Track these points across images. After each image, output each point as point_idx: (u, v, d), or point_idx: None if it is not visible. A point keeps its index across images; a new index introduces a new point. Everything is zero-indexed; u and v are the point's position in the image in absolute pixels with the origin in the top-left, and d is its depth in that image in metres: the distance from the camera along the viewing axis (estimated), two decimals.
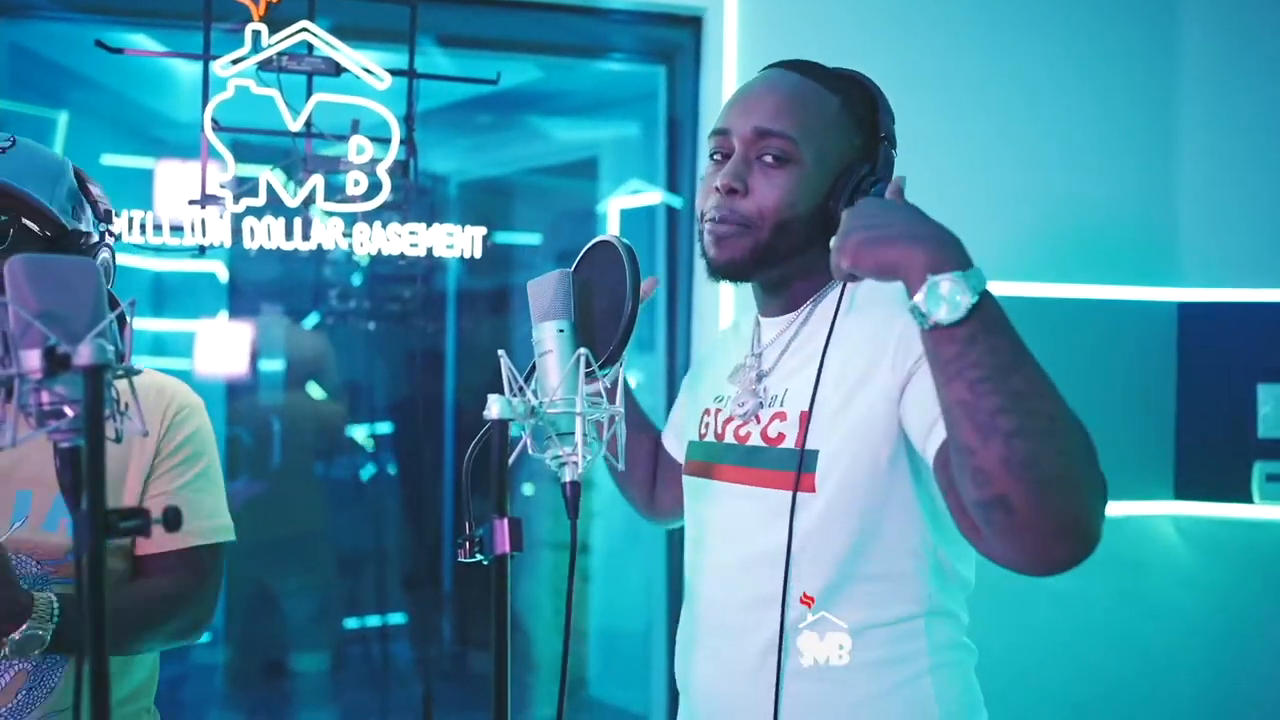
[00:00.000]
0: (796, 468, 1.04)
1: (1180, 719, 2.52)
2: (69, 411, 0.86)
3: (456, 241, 1.82)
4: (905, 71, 2.36)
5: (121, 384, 0.88)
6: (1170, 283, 2.50)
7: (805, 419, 1.05)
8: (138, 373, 0.92)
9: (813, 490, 1.04)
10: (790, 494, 1.04)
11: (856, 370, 1.05)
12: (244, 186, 1.76)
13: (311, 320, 3.87)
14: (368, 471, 3.95)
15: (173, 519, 0.87)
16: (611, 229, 3.13)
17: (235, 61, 1.72)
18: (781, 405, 1.11)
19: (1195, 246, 2.50)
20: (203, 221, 1.72)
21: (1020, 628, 2.44)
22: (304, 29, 1.72)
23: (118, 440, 0.92)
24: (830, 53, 2.26)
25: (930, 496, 1.04)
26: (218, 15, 1.77)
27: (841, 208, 1.08)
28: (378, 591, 3.90)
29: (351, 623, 3.81)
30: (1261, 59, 2.48)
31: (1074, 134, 2.46)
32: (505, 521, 0.96)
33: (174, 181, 2.34)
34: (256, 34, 1.73)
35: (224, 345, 3.68)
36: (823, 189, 1.10)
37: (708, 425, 1.21)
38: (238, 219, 1.75)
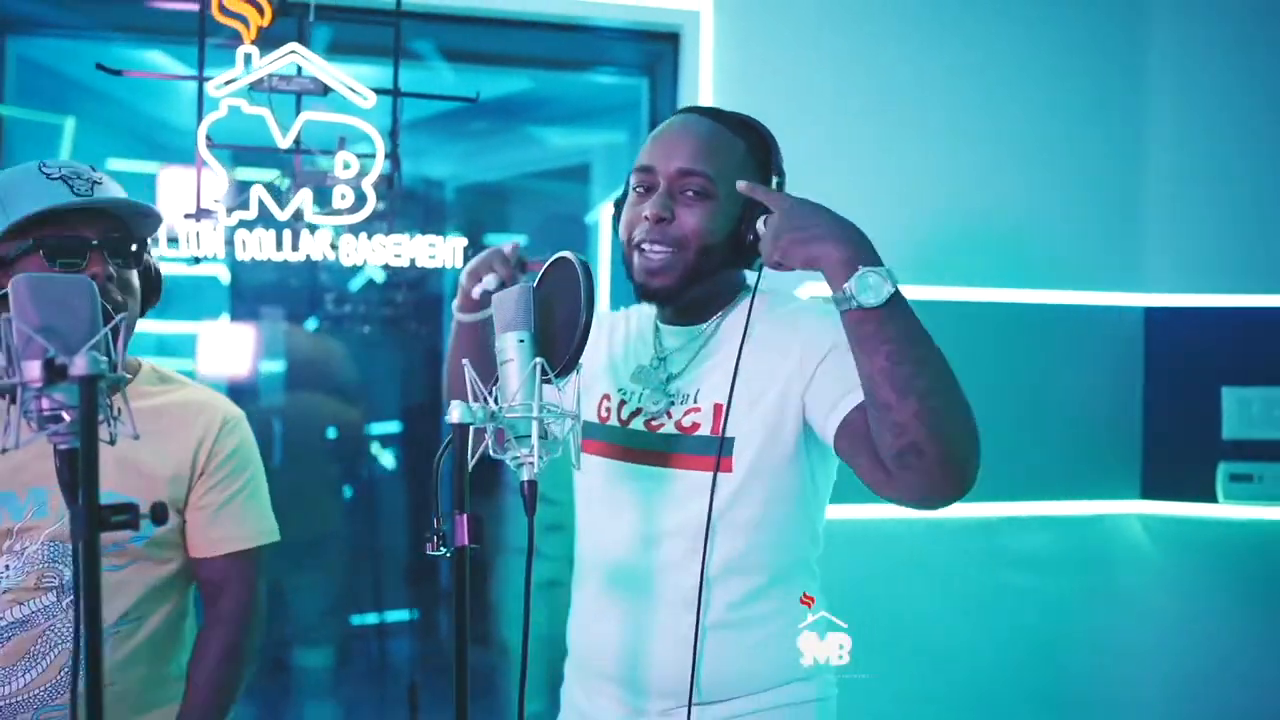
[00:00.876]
0: (718, 452, 1.23)
1: (1148, 714, 2.58)
2: (66, 416, 0.94)
3: (438, 252, 1.92)
4: (874, 81, 2.44)
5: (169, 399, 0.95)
6: (1136, 288, 2.56)
7: (720, 410, 1.24)
8: (128, 381, 1.00)
9: (729, 470, 1.24)
10: (709, 474, 1.23)
11: (764, 371, 1.25)
12: (238, 199, 1.85)
13: (312, 322, 3.94)
14: (370, 471, 4.01)
15: (158, 513, 0.96)
16: (604, 233, 3.21)
17: (228, 82, 1.81)
18: (695, 401, 1.28)
19: (1161, 252, 2.56)
20: (197, 234, 1.81)
21: (989, 625, 2.50)
22: (293, 51, 1.81)
23: (111, 443, 1.01)
24: (800, 65, 2.38)
25: (815, 476, 1.28)
26: (211, 34, 1.86)
27: (749, 234, 1.25)
28: (376, 589, 3.96)
29: (354, 619, 3.86)
30: (1228, 65, 2.54)
31: (1041, 140, 2.52)
32: (465, 517, 1.05)
33: (173, 192, 2.42)
34: (248, 56, 1.82)
35: (226, 347, 3.75)
36: (734, 218, 1.27)
37: (609, 410, 1.35)
38: (230, 231, 1.84)
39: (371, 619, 3.84)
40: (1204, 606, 2.55)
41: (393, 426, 3.95)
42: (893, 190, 2.44)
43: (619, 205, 1.34)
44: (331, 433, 3.95)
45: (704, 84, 2.35)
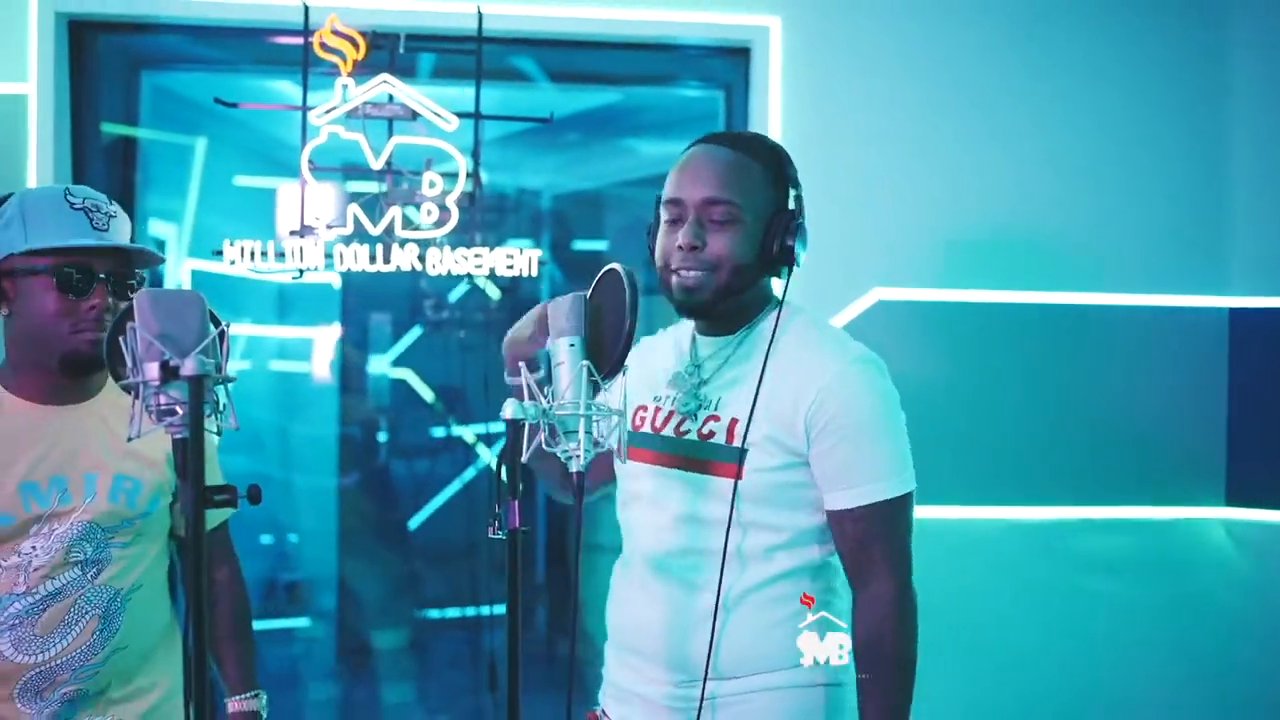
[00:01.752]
0: (737, 459, 1.35)
1: None
2: (179, 410, 1.11)
3: (515, 262, 2.07)
4: (944, 94, 2.48)
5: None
6: (1221, 290, 2.52)
7: (736, 424, 1.36)
8: (233, 380, 1.16)
9: (741, 479, 1.35)
10: (726, 479, 1.36)
11: (781, 396, 1.35)
12: (337, 216, 2.03)
13: (416, 326, 4.14)
14: (473, 468, 4.17)
15: (255, 495, 1.12)
16: None
17: (327, 111, 2.00)
18: (715, 410, 1.39)
19: (1246, 253, 2.51)
20: (301, 249, 2.00)
21: (1065, 629, 2.51)
22: (384, 81, 1.99)
23: (218, 434, 1.17)
24: (866, 79, 2.45)
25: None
26: (314, 64, 2.05)
27: (775, 247, 1.36)
28: (472, 580, 4.12)
29: (453, 611, 4.01)
30: None
31: (1123, 142, 2.51)
32: (517, 503, 1.17)
33: (287, 205, 2.65)
34: (345, 86, 2.01)
35: (337, 349, 3.99)
36: (759, 237, 1.37)
37: (644, 419, 1.48)
38: (330, 245, 2.03)
39: (470, 610, 3.95)
40: None
41: (495, 426, 4.08)
42: (967, 197, 2.48)
43: (651, 233, 1.47)
44: (438, 431, 4.14)
45: (773, 96, 2.44)
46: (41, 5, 2.26)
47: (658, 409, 1.47)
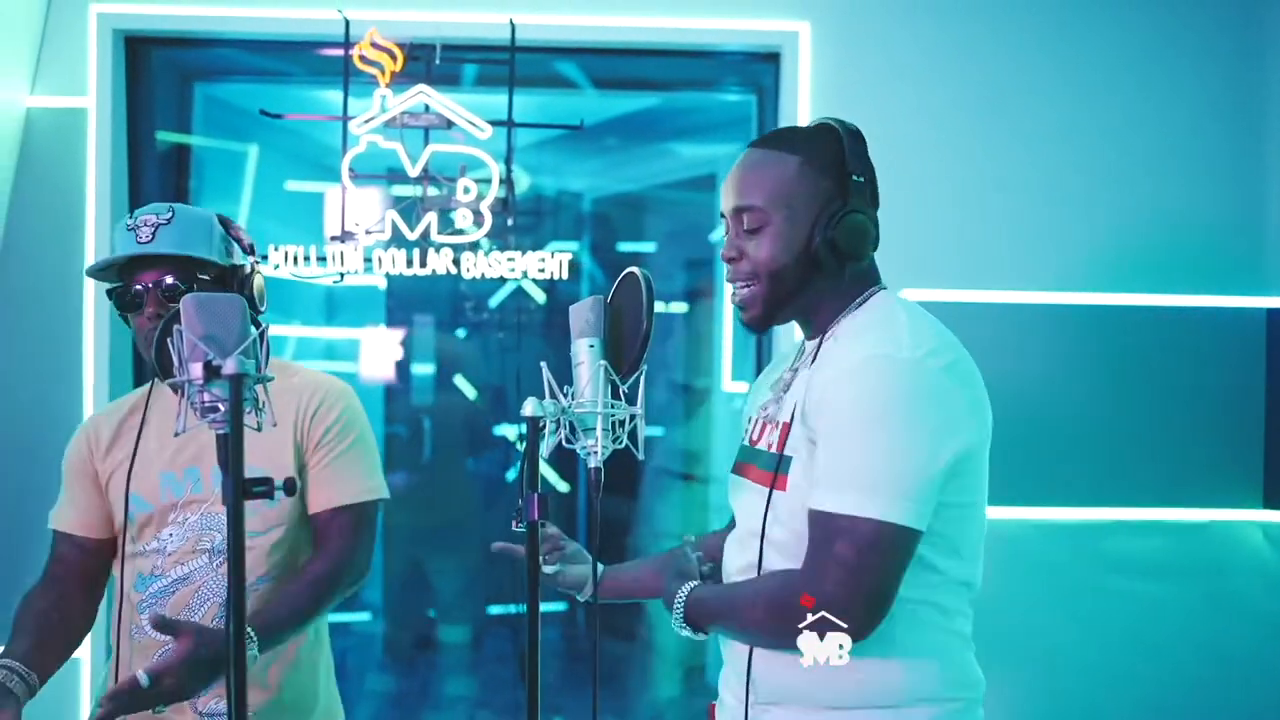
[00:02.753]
0: (774, 469, 1.28)
1: None
2: (221, 408, 1.19)
3: (547, 265, 2.13)
4: (975, 95, 2.49)
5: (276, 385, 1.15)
6: (1259, 291, 2.49)
7: (786, 429, 1.28)
8: (271, 379, 1.24)
9: (784, 489, 1.27)
10: (777, 490, 1.28)
11: (811, 399, 1.25)
12: (376, 222, 2.12)
13: (460, 327, 4.18)
14: (515, 468, 4.20)
15: (290, 486, 1.19)
16: None
17: (366, 121, 2.08)
18: (785, 415, 1.31)
19: None
20: (341, 254, 2.09)
21: (1105, 630, 2.49)
22: (421, 91, 2.06)
23: (258, 429, 1.25)
24: (894, 82, 2.48)
25: None
26: (354, 74, 2.14)
27: (822, 243, 1.27)
28: (515, 579, 4.18)
29: (493, 609, 4.09)
30: None
31: (1154, 142, 2.49)
32: (535, 496, 1.23)
33: (333, 209, 2.75)
34: (384, 98, 2.09)
35: (383, 350, 4.06)
36: (802, 235, 1.29)
37: (747, 432, 1.45)
38: (369, 250, 2.11)
39: (512, 608, 4.05)
40: None
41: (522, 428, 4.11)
42: (998, 200, 2.48)
43: None
44: (478, 430, 4.21)
45: (803, 99, 2.48)
46: (100, 22, 2.38)
47: (752, 418, 1.43)
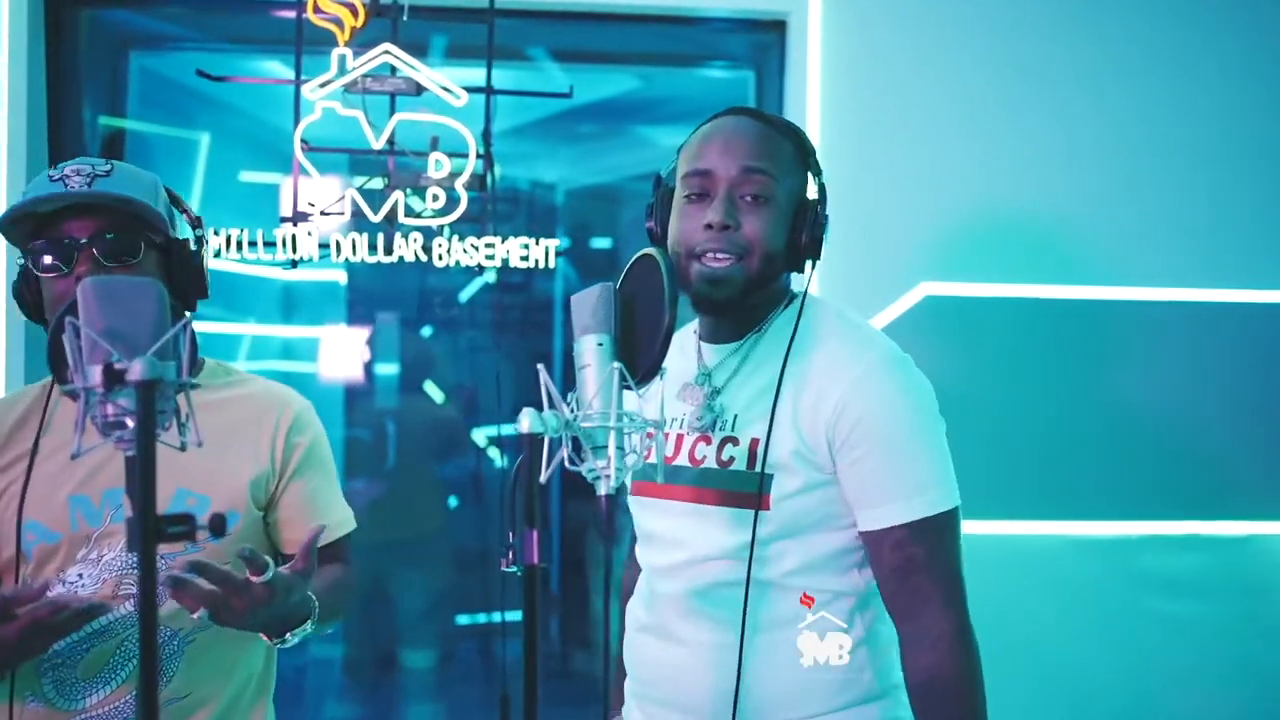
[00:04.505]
0: (757, 489, 1.18)
1: None
2: (129, 422, 0.92)
3: (532, 253, 1.86)
4: (1000, 73, 2.29)
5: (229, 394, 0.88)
6: None
7: (757, 445, 1.18)
8: (194, 386, 0.97)
9: (768, 509, 1.18)
10: (748, 511, 1.18)
11: (801, 406, 1.18)
12: (333, 202, 1.84)
13: (426, 325, 3.99)
14: (481, 472, 4.04)
15: (217, 525, 0.92)
16: None
17: (323, 85, 1.81)
18: (733, 430, 1.22)
19: None
20: (293, 237, 1.81)
21: (1129, 650, 2.34)
22: (386, 51, 1.79)
23: (181, 448, 0.98)
24: (912, 53, 2.24)
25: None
26: (309, 40, 1.86)
27: (804, 240, 1.21)
28: (484, 590, 3.99)
29: (459, 619, 3.89)
30: None
31: (1192, 127, 2.32)
32: (535, 534, 0.98)
33: (284, 192, 2.49)
34: (342, 58, 1.82)
35: (344, 350, 3.83)
36: (788, 225, 1.22)
37: (651, 448, 1.25)
38: (326, 235, 1.84)
39: (480, 618, 3.85)
40: None
41: (501, 429, 3.97)
42: (1023, 186, 2.29)
43: (653, 215, 1.29)
44: (445, 433, 4.01)
45: (812, 75, 2.24)
46: None
47: (666, 434, 1.28)
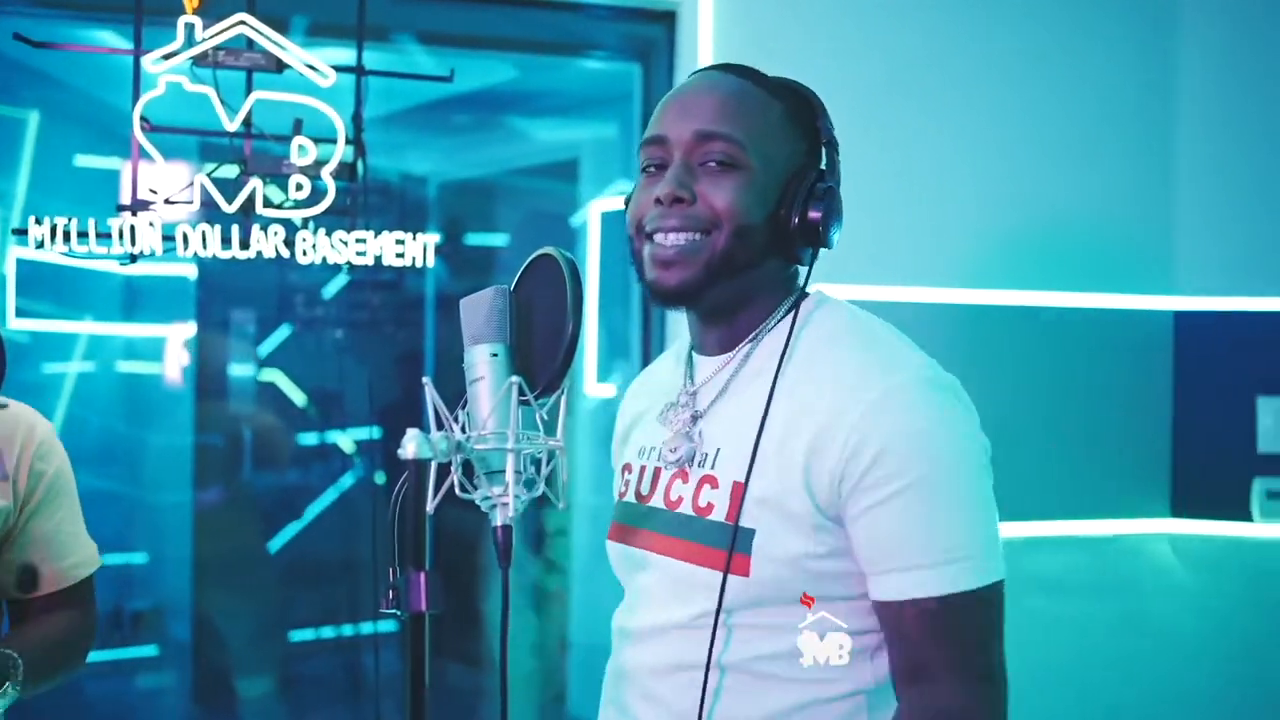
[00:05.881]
0: (729, 546, 0.95)
1: None
2: None
3: (407, 250, 1.70)
4: (888, 69, 2.28)
5: None
6: (1166, 291, 2.41)
7: (739, 491, 0.96)
8: (5, 406, 0.80)
9: (746, 574, 0.95)
10: (719, 574, 0.96)
11: (797, 438, 0.95)
12: (178, 189, 1.64)
13: (284, 324, 3.77)
14: (344, 480, 3.87)
15: (29, 581, 0.77)
16: (592, 233, 3.03)
17: (167, 56, 1.60)
18: (712, 468, 1.01)
19: (1192, 253, 2.40)
20: (131, 229, 1.60)
21: (1011, 648, 2.35)
22: (241, 22, 1.60)
23: None
24: (810, 49, 2.19)
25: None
26: (151, 9, 1.65)
27: (795, 216, 0.99)
28: (352, 602, 3.83)
29: (329, 632, 3.74)
30: (1261, 61, 2.40)
31: (1066, 135, 2.36)
32: (423, 576, 0.85)
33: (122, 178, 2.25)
34: (190, 27, 1.61)
35: (193, 350, 3.58)
36: (773, 197, 1.00)
37: (628, 483, 1.12)
38: (170, 225, 1.63)
39: (347, 631, 3.70)
40: (1239, 632, 2.39)
41: (372, 432, 3.82)
42: (913, 184, 2.27)
43: (629, 200, 1.09)
44: (306, 439, 3.82)
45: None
46: None
47: (643, 466, 1.09)
